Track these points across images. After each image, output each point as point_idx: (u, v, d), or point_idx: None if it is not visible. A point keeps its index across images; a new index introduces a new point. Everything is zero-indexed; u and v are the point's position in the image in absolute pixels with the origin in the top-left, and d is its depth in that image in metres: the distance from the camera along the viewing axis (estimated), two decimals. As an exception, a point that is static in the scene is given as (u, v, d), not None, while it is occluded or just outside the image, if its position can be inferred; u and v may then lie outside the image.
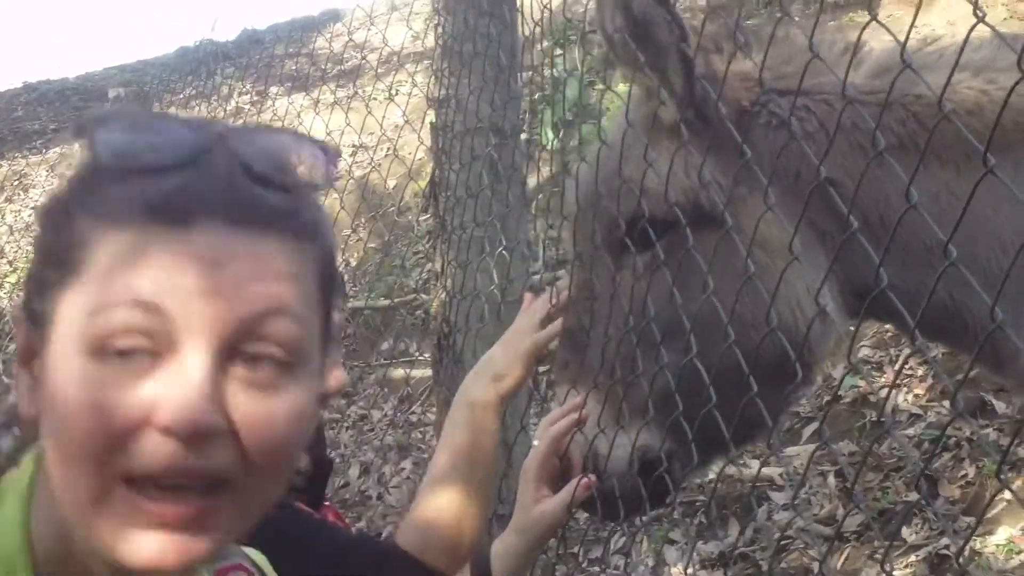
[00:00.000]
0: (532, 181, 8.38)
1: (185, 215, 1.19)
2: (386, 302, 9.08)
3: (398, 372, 8.16)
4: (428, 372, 6.54)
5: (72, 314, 1.19)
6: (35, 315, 1.24)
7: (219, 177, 1.22)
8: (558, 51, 10.46)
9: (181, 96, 12.23)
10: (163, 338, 1.16)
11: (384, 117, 6.97)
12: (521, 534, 2.48)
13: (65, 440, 1.17)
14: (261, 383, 1.18)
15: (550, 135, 8.45)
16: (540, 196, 7.07)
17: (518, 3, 3.97)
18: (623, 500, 2.60)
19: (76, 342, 1.18)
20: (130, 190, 1.21)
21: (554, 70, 8.71)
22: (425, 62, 10.67)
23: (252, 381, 1.18)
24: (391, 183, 9.87)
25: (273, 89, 11.71)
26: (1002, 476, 1.61)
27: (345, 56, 11.58)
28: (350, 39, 10.34)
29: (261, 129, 1.31)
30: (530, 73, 7.37)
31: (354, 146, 10.47)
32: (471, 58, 3.76)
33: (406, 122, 6.22)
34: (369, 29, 9.99)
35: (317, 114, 8.78)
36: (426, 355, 7.08)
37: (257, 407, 1.18)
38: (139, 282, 1.17)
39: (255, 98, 11.91)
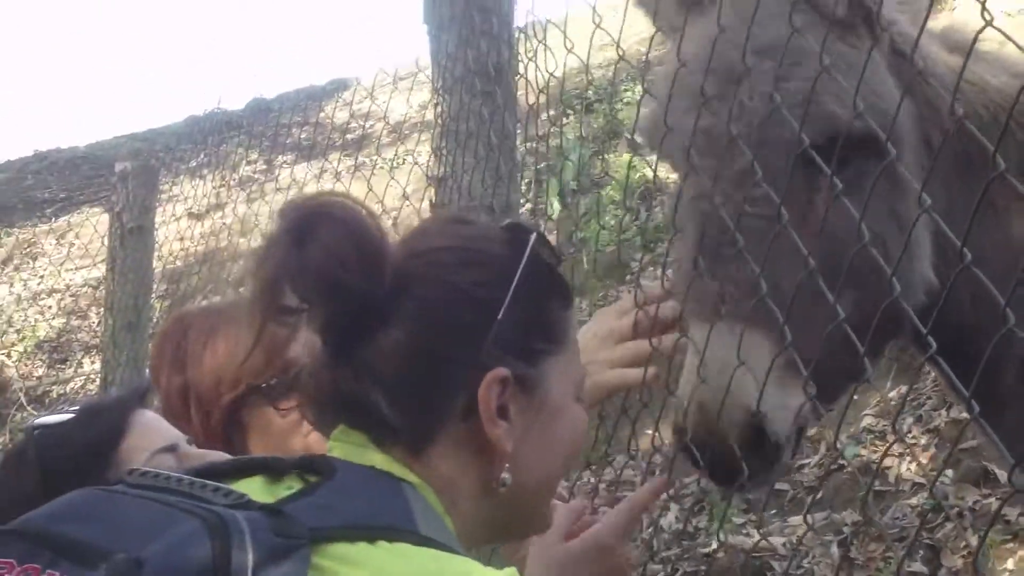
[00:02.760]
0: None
1: None
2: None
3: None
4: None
5: (563, 376, 1.76)
6: (522, 378, 1.68)
7: None
8: (564, 120, 10.58)
9: (191, 164, 12.36)
10: None
11: (388, 186, 7.03)
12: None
13: (569, 454, 1.81)
14: None
15: (555, 205, 8.54)
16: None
17: (523, 70, 4.03)
18: (760, 468, 2.21)
19: (572, 393, 1.79)
20: (562, 278, 1.82)
21: (561, 139, 8.80)
22: (431, 131, 10.78)
23: None
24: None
25: (280, 158, 11.82)
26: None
27: (352, 126, 11.68)
28: (352, 110, 10.44)
29: None
30: (534, 144, 7.45)
31: (361, 214, 10.56)
32: (465, 137, 3.84)
33: (404, 197, 6.28)
34: (374, 100, 10.09)
35: (319, 183, 8.86)
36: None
37: None
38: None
39: (262, 166, 12.02)
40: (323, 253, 1.59)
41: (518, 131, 4.08)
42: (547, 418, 1.73)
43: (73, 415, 2.24)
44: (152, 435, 2.19)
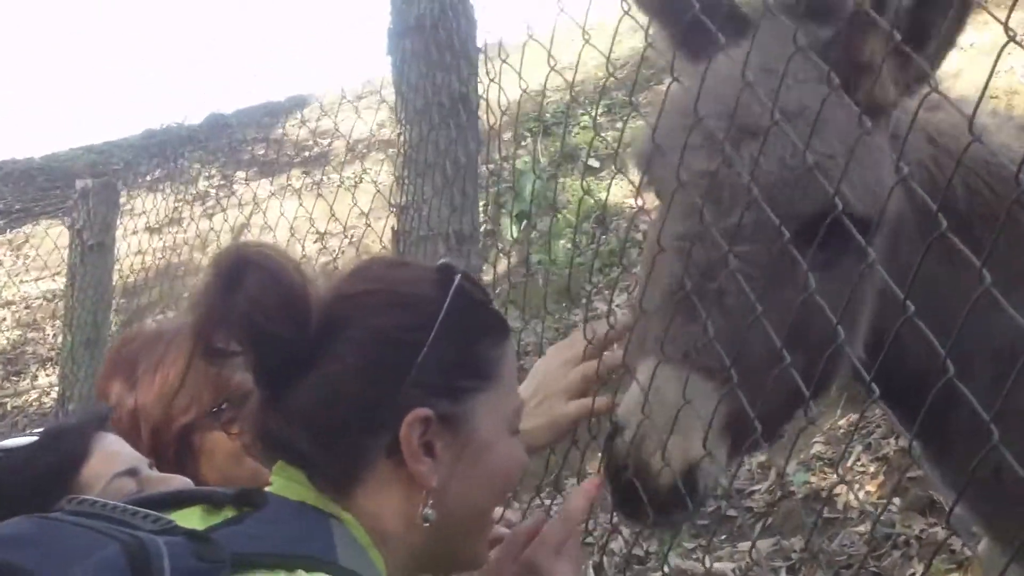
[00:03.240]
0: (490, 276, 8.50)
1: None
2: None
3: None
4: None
5: (493, 412, 1.82)
6: (446, 416, 1.74)
7: None
8: (521, 143, 10.63)
9: (148, 179, 12.33)
10: None
11: (353, 204, 7.08)
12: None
13: (501, 488, 1.89)
14: None
15: (512, 228, 8.59)
16: (499, 289, 7.17)
17: (482, 95, 4.08)
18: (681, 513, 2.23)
19: (504, 427, 1.84)
20: (495, 315, 1.92)
21: (516, 162, 8.85)
22: (391, 151, 10.79)
23: None
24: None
25: (239, 174, 11.81)
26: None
27: (311, 143, 11.71)
28: (315, 125, 10.45)
29: None
30: (492, 166, 7.50)
31: (318, 232, 10.56)
32: (424, 168, 3.92)
33: (363, 215, 6.30)
34: (336, 117, 10.09)
35: (276, 199, 8.85)
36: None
37: None
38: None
39: (221, 182, 12.01)
40: (248, 302, 1.68)
41: (478, 155, 4.15)
42: (475, 453, 1.79)
43: (35, 439, 2.26)
44: (113, 459, 2.22)
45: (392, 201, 4.09)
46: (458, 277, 1.82)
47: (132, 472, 2.22)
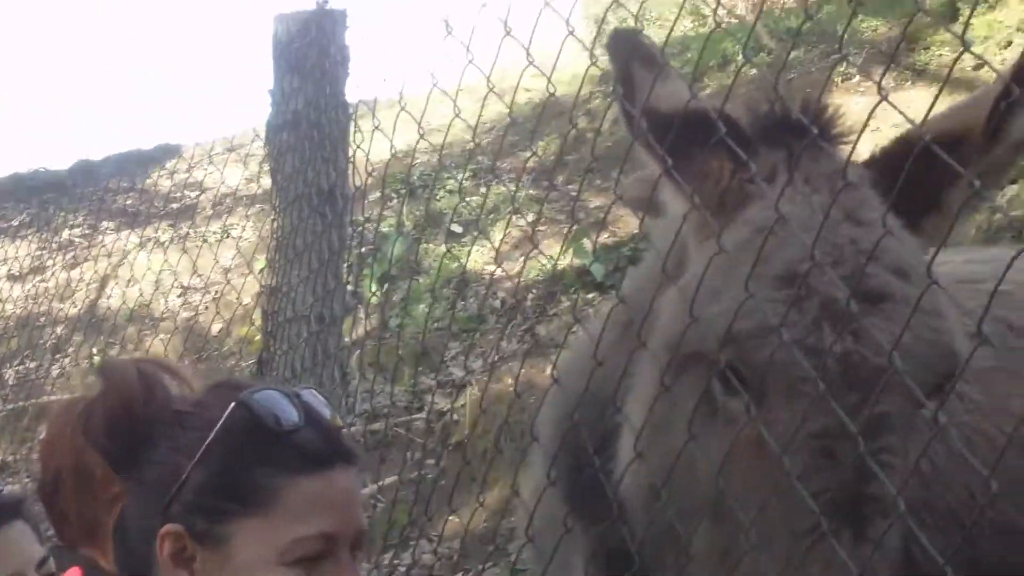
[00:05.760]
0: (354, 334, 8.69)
1: (330, 462, 1.88)
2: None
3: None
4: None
5: (260, 538, 1.83)
6: (202, 533, 1.85)
7: (330, 430, 1.94)
8: (388, 204, 10.85)
9: (13, 224, 12.29)
10: (330, 549, 1.84)
11: (216, 262, 7.25)
12: None
13: None
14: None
15: (373, 289, 8.80)
16: (358, 352, 7.39)
17: (351, 154, 4.33)
18: None
19: (272, 556, 1.82)
20: (294, 447, 1.88)
21: (380, 225, 9.09)
22: (257, 206, 10.95)
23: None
24: (216, 327, 10.08)
25: (104, 224, 11.84)
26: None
27: (179, 196, 11.79)
28: (183, 178, 10.57)
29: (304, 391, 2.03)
30: (360, 228, 7.73)
31: (182, 286, 10.68)
32: (294, 256, 4.18)
33: (226, 271, 6.49)
34: (206, 171, 10.24)
35: (145, 251, 8.94)
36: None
37: None
38: (325, 521, 1.85)
39: (86, 231, 12.03)
40: (88, 415, 1.99)
41: (348, 244, 4.43)
42: (232, 574, 1.90)
43: None
44: (5, 557, 2.34)
45: (262, 283, 4.36)
46: (233, 405, 1.94)
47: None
